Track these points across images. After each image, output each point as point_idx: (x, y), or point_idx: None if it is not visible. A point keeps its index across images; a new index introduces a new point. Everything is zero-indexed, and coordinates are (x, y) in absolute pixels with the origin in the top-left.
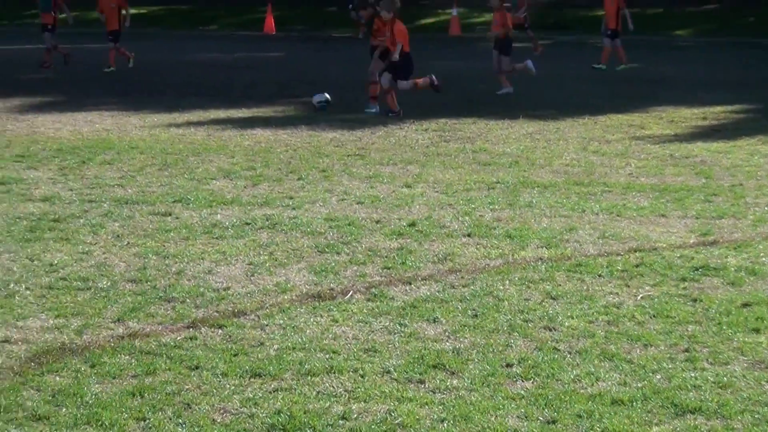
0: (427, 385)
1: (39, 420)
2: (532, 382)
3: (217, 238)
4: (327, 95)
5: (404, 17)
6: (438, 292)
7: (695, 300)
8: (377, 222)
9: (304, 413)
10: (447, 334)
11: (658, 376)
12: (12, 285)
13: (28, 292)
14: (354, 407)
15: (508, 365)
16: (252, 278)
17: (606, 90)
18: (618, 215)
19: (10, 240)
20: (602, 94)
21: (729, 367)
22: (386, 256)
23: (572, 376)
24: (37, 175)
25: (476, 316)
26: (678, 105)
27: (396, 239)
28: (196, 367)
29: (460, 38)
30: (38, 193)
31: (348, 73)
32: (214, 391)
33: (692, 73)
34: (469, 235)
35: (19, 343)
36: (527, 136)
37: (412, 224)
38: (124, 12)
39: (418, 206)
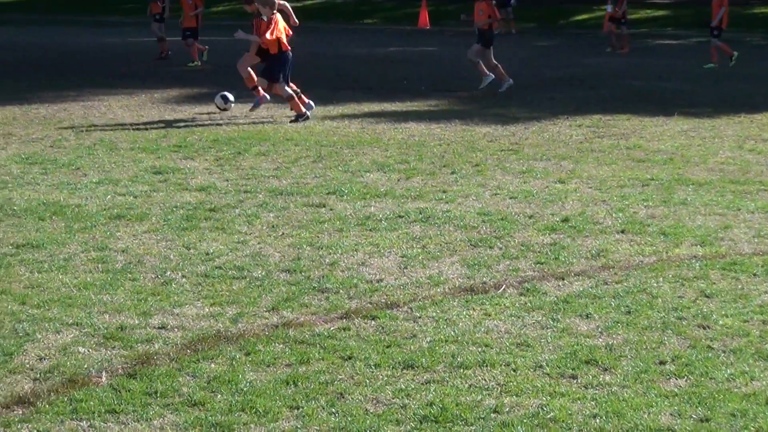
0: (579, 381)
1: (194, 406)
2: (686, 380)
3: (370, 230)
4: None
5: (562, 13)
6: (591, 288)
7: None
8: (530, 217)
9: (456, 406)
10: (600, 330)
11: None
12: (169, 273)
13: (184, 280)
14: (506, 401)
15: (662, 363)
16: (405, 270)
17: (764, 88)
18: None
19: (167, 228)
20: (760, 92)
21: None
22: (539, 251)
23: (726, 375)
24: (193, 165)
25: (629, 312)
26: None
27: (549, 234)
28: (350, 358)
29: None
30: (195, 183)
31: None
32: (367, 381)
33: None
34: (622, 232)
35: (176, 329)
36: (682, 133)
37: (565, 220)
38: (199, 9)
39: (571, 202)
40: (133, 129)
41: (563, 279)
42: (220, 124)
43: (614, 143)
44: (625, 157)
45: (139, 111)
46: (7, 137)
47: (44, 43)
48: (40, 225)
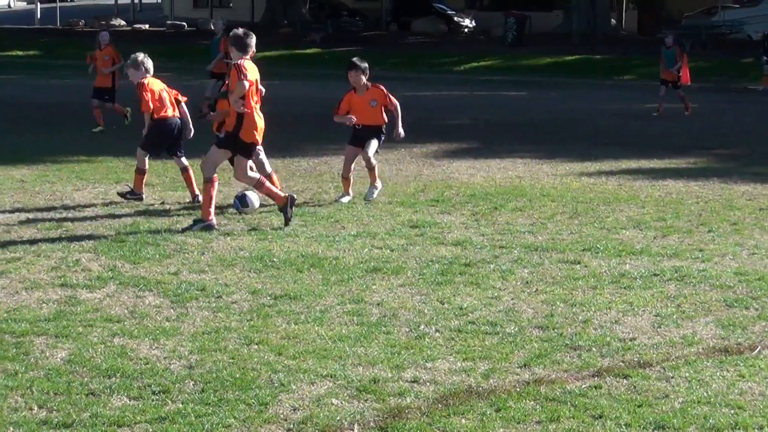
0: None
1: None
2: None
3: (624, 288)
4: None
5: None
6: None
7: None
8: None
9: None
10: None
11: None
12: (422, 326)
13: (437, 334)
14: None
15: None
16: (658, 330)
17: None
18: None
19: (422, 282)
20: None
21: None
22: None
23: None
24: (450, 220)
25: None
26: None
27: None
28: (600, 417)
29: None
30: (450, 238)
31: (762, 125)
32: None
33: None
34: None
35: (428, 384)
36: None
37: None
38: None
39: None
40: (391, 183)
41: None
42: (477, 180)
43: None
44: None
45: (398, 165)
46: None
47: (310, 95)
48: (298, 276)
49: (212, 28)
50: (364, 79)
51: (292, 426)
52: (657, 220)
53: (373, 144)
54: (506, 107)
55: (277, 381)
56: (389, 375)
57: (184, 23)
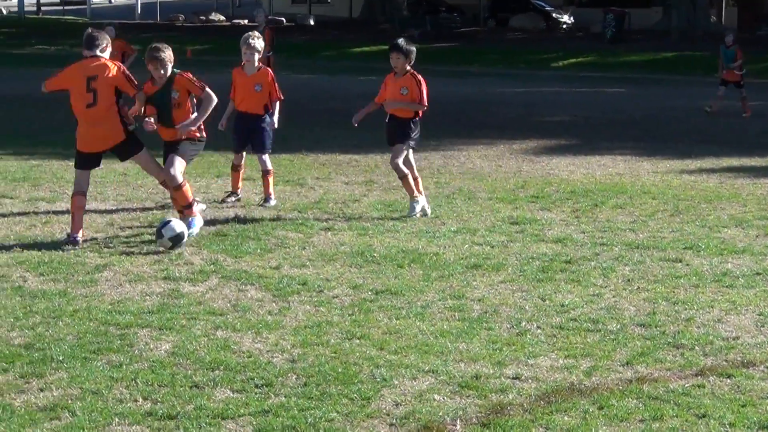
0: None
1: None
2: None
3: (727, 286)
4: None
5: None
6: None
7: None
8: None
9: None
10: None
11: None
12: (524, 323)
13: (539, 331)
14: None
15: None
16: (762, 329)
17: None
18: None
19: (523, 279)
20: None
21: None
22: None
23: None
24: (550, 217)
25: None
26: None
27: None
28: (704, 416)
29: None
30: (551, 234)
31: None
32: None
33: None
34: None
35: (530, 380)
36: None
37: None
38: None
39: None
40: (491, 179)
41: None
42: (577, 176)
43: None
44: None
45: (497, 161)
46: (369, 184)
47: None
48: (399, 272)
49: (254, 21)
50: (405, 63)
51: (394, 421)
52: (759, 218)
53: (399, 149)
54: (605, 104)
55: (379, 376)
56: (491, 371)
57: (283, 19)
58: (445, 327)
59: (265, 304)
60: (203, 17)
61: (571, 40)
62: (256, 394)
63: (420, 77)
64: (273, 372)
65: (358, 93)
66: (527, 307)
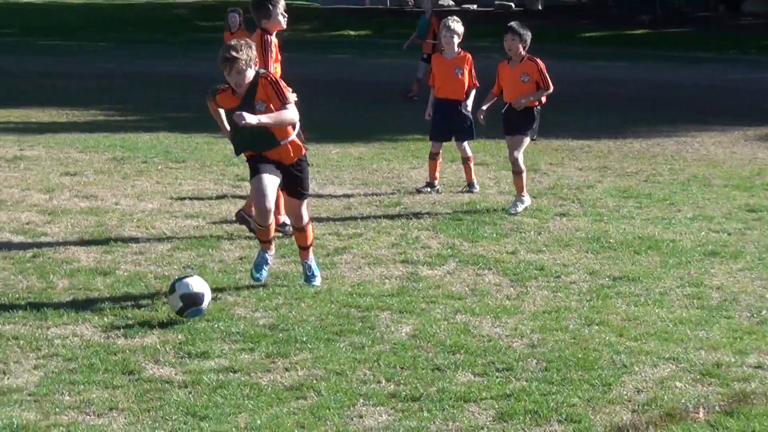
0: None
1: None
2: None
3: None
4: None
5: None
6: None
7: None
8: None
9: None
10: None
11: None
12: (764, 312)
13: None
14: None
15: None
16: None
17: None
18: None
19: (762, 267)
20: None
21: None
22: None
23: None
24: None
25: None
26: None
27: None
28: None
29: None
30: None
31: None
32: None
33: None
34: None
35: None
36: None
37: None
38: None
39: None
40: (725, 166)
41: None
42: None
43: None
44: None
45: (731, 148)
46: (603, 170)
47: (637, 76)
48: (636, 258)
49: (422, 7)
50: (521, 48)
51: (636, 407)
52: None
53: (520, 140)
54: None
55: (620, 362)
56: (732, 360)
57: (512, 3)
58: (684, 314)
59: (503, 288)
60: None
61: None
62: (497, 378)
63: (539, 60)
64: (513, 356)
65: (586, 78)
66: (767, 296)
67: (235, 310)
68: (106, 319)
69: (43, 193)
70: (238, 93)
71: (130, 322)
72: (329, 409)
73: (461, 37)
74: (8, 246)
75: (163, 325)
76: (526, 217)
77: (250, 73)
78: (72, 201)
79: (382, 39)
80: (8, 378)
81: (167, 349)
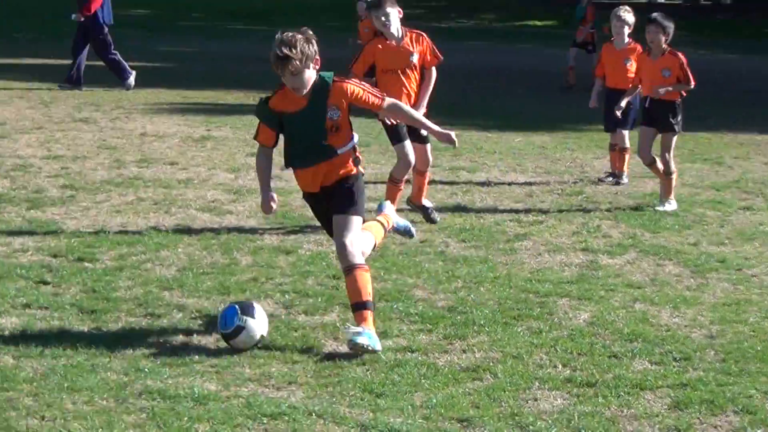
0: None
1: None
2: None
3: None
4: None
5: None
6: None
7: None
8: None
9: None
10: None
11: None
12: None
13: None
14: None
15: None
16: None
17: None
18: None
19: None
20: None
21: None
22: None
23: None
24: None
25: None
26: None
27: None
28: None
29: None
30: None
31: None
32: None
33: None
34: None
35: None
36: None
37: None
38: None
39: None
40: None
41: None
42: None
43: None
44: None
45: None
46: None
47: None
48: None
49: None
50: (664, 40)
51: None
52: None
53: (670, 138)
54: None
55: None
56: None
57: None
58: None
59: (683, 279)
60: None
61: None
62: (674, 367)
63: (681, 54)
64: (691, 346)
65: None
66: None
67: (414, 291)
68: (287, 296)
69: (229, 172)
70: (299, 94)
71: (311, 300)
72: (504, 391)
73: (631, 27)
74: (194, 223)
75: (343, 303)
76: (708, 209)
77: (310, 74)
78: (257, 181)
79: (567, 29)
80: (192, 350)
81: (346, 327)
